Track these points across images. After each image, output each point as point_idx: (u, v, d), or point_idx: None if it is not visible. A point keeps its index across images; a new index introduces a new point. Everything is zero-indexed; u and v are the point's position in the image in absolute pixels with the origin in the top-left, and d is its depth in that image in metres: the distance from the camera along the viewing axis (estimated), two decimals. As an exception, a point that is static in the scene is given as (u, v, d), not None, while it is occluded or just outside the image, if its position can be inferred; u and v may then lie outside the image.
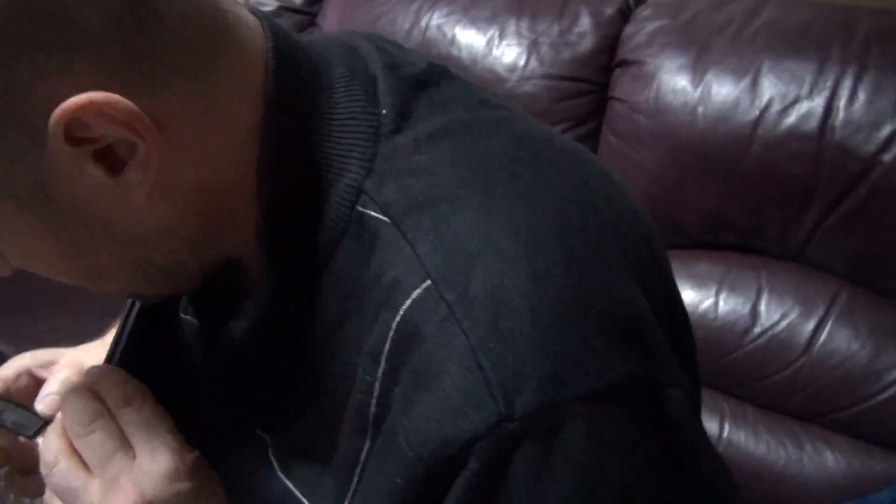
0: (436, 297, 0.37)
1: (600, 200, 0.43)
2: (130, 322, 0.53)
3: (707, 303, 1.04)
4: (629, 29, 1.15)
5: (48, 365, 0.57)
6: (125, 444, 0.45)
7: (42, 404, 0.51)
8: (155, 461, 0.44)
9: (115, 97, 0.36)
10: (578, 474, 0.35)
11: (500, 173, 0.41)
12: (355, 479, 0.41)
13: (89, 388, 0.47)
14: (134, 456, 0.45)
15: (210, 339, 0.48)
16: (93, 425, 0.45)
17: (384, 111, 0.43)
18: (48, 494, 0.48)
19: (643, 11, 1.15)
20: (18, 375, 0.56)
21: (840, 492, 0.96)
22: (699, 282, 1.06)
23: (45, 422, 0.50)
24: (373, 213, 0.41)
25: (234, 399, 0.49)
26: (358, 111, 0.43)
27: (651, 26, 1.12)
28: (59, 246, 0.42)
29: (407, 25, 1.23)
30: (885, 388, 0.97)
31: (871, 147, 0.95)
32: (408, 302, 0.38)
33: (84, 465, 0.45)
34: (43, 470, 0.46)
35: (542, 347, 0.36)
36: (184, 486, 0.45)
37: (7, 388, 0.55)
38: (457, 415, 0.35)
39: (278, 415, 0.46)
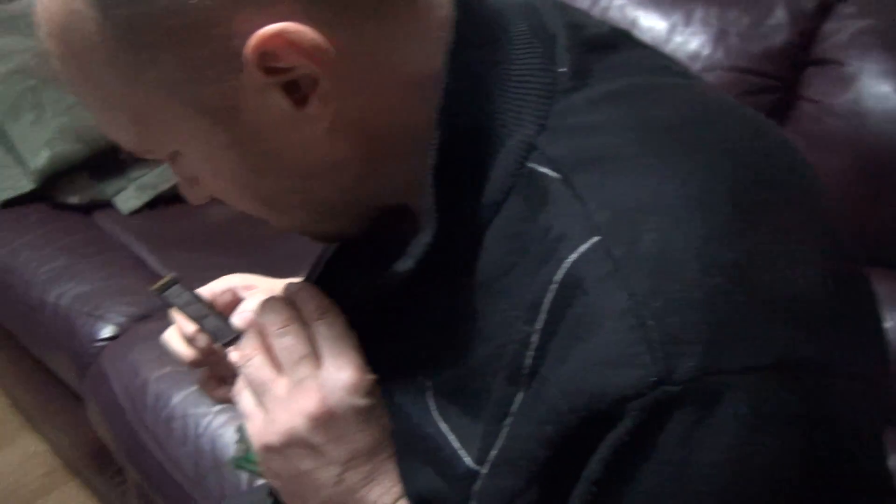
0: (602, 253, 0.37)
1: (781, 171, 0.41)
2: (326, 257, 0.56)
3: (888, 325, 0.97)
4: (829, 26, 1.07)
5: (250, 287, 0.61)
6: (314, 352, 0.48)
7: (238, 318, 0.55)
8: (340, 372, 0.47)
9: (305, 29, 0.38)
10: (732, 447, 0.34)
11: (675, 134, 0.40)
12: (504, 429, 0.41)
13: (287, 297, 0.50)
14: (321, 364, 0.47)
15: (368, 283, 0.49)
16: (287, 328, 0.48)
17: (562, 69, 0.43)
18: (238, 388, 0.51)
19: (847, 8, 1.08)
20: (224, 291, 0.60)
21: None
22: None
23: (239, 334, 0.53)
24: (542, 170, 0.41)
25: (395, 342, 0.50)
26: (535, 67, 0.43)
27: (855, 25, 1.05)
28: (242, 168, 0.44)
29: (587, 3, 1.19)
30: None
31: None
32: (573, 256, 0.38)
33: (275, 363, 0.48)
34: (239, 361, 0.50)
35: (710, 313, 0.34)
36: (362, 401, 0.47)
37: (213, 299, 0.59)
38: (612, 369, 0.35)
39: (435, 359, 0.47)
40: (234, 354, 0.51)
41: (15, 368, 1.52)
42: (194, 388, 1.12)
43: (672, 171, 0.38)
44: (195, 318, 0.56)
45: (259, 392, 0.49)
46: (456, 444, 0.45)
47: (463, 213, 0.43)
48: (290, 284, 0.51)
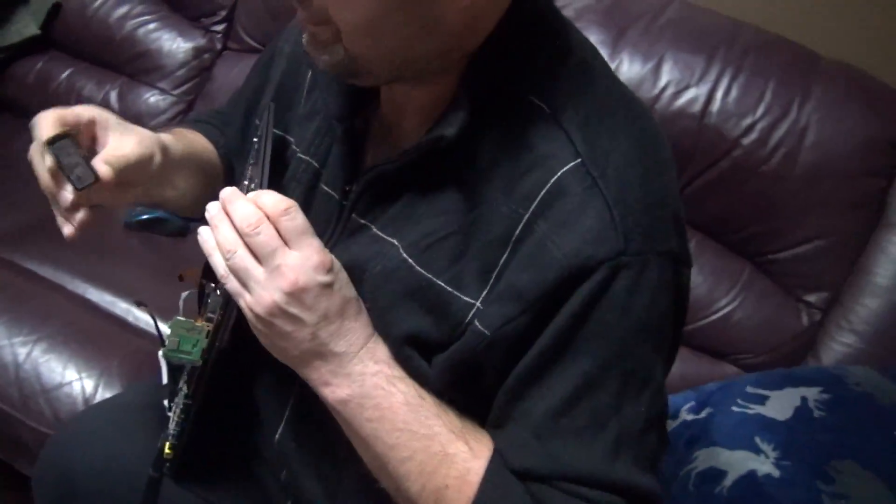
0: (584, 171, 0.59)
1: (662, 138, 0.67)
2: (268, 151, 0.68)
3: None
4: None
5: (106, 126, 0.70)
6: (283, 244, 0.61)
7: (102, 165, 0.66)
8: (306, 256, 0.61)
9: None
10: (649, 296, 0.60)
11: (629, 105, 0.65)
12: (492, 277, 0.61)
13: (252, 199, 0.62)
14: (289, 251, 0.60)
15: (413, 147, 0.64)
16: (259, 228, 0.60)
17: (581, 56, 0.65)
18: (224, 274, 0.63)
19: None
20: (89, 121, 0.69)
21: (674, 389, 1.29)
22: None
23: (95, 179, 0.65)
24: (538, 102, 0.62)
25: (407, 207, 0.66)
26: (571, 45, 0.65)
27: (579, 3, 1.34)
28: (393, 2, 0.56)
29: None
30: (715, 312, 1.30)
31: (736, 132, 1.25)
32: (563, 168, 0.60)
33: (254, 254, 0.61)
34: (224, 255, 0.62)
35: (646, 218, 0.60)
36: (326, 277, 0.62)
37: (79, 127, 0.69)
38: (595, 242, 0.58)
39: (434, 222, 0.64)
40: (218, 260, 0.63)
41: None
42: (2, 318, 1.14)
43: (626, 126, 0.62)
44: (68, 166, 0.65)
45: (243, 278, 0.62)
46: (448, 287, 0.63)
47: (482, 103, 0.61)
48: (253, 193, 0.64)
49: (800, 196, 1.23)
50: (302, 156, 0.75)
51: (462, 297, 0.63)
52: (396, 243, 0.66)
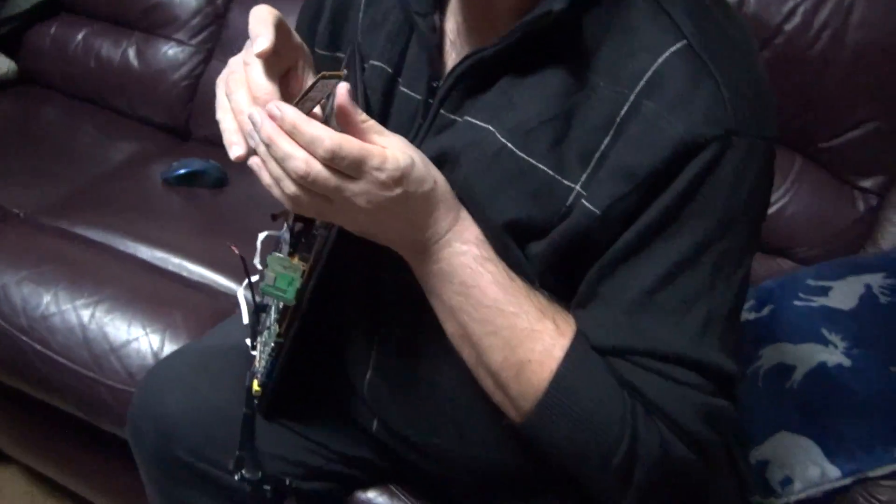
0: (693, 53, 0.60)
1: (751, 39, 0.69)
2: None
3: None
4: None
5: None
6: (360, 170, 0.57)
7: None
8: (390, 137, 0.60)
9: None
10: (754, 178, 0.61)
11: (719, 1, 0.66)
12: (593, 161, 0.62)
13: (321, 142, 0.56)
14: (375, 148, 0.57)
15: (525, 22, 0.62)
16: (337, 155, 0.55)
17: None
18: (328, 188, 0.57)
19: None
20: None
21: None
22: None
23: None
24: None
25: (513, 96, 0.65)
26: None
27: None
28: None
29: None
30: (766, 209, 1.28)
31: (777, 18, 1.20)
32: (671, 49, 0.60)
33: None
34: (338, 192, 0.57)
35: (756, 101, 0.61)
36: (416, 153, 0.60)
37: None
38: (708, 121, 0.59)
39: (535, 108, 0.64)
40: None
41: None
42: (61, 284, 1.15)
43: (724, 19, 0.64)
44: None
45: (371, 209, 0.58)
46: (550, 171, 0.63)
47: None
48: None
49: (849, 79, 1.19)
50: (375, 62, 0.74)
51: (563, 181, 0.63)
52: (493, 129, 0.65)
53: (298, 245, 0.68)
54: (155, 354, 1.09)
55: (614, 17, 0.62)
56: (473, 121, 0.67)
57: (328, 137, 0.55)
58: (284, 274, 0.66)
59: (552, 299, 0.66)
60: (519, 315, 0.63)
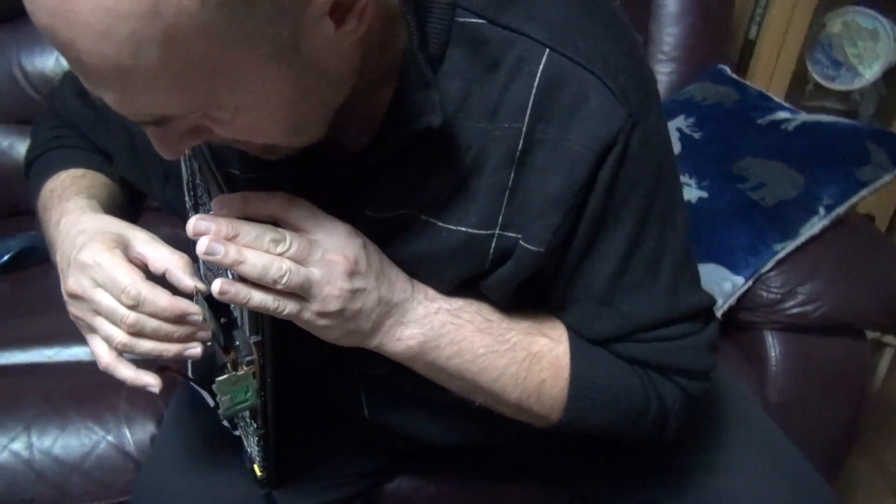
0: (559, 57, 0.56)
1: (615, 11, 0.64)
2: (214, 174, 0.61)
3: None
4: None
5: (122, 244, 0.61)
6: (307, 236, 0.57)
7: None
8: (335, 229, 0.58)
9: None
10: (658, 137, 0.61)
11: None
12: (505, 200, 0.60)
13: (259, 219, 0.56)
14: (320, 239, 0.57)
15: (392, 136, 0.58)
16: (285, 241, 0.55)
17: None
18: (274, 306, 0.57)
19: None
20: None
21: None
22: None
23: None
24: (471, 20, 0.56)
25: (396, 188, 0.61)
26: None
27: None
28: (291, 93, 0.48)
29: None
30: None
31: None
32: (541, 66, 0.56)
33: (299, 261, 0.56)
34: (275, 281, 0.55)
35: (630, 69, 0.59)
36: (359, 237, 0.59)
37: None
38: (608, 117, 0.57)
39: (431, 187, 0.60)
40: (262, 298, 0.56)
41: None
42: None
43: (564, 8, 0.58)
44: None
45: (305, 289, 0.56)
46: (471, 229, 0.61)
47: (420, 73, 0.55)
48: (235, 218, 0.56)
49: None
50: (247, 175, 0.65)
51: (482, 232, 0.62)
52: (407, 212, 0.62)
53: (235, 349, 0.63)
54: (125, 453, 1.00)
55: (472, 64, 0.57)
56: (376, 216, 0.63)
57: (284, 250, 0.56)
58: (238, 389, 0.62)
59: (530, 315, 0.67)
60: (514, 348, 0.65)
